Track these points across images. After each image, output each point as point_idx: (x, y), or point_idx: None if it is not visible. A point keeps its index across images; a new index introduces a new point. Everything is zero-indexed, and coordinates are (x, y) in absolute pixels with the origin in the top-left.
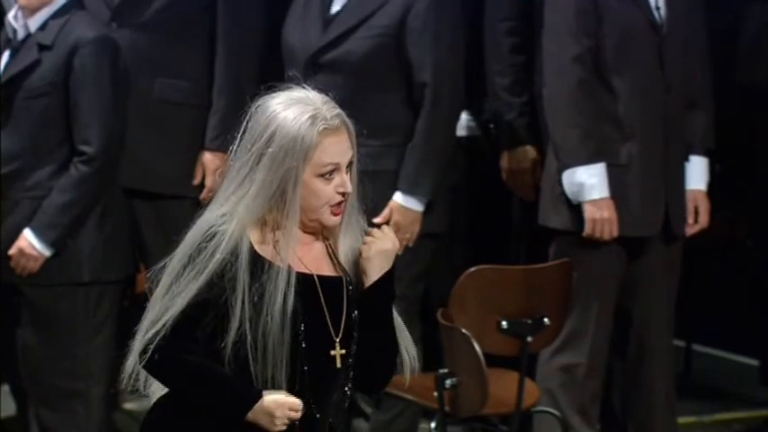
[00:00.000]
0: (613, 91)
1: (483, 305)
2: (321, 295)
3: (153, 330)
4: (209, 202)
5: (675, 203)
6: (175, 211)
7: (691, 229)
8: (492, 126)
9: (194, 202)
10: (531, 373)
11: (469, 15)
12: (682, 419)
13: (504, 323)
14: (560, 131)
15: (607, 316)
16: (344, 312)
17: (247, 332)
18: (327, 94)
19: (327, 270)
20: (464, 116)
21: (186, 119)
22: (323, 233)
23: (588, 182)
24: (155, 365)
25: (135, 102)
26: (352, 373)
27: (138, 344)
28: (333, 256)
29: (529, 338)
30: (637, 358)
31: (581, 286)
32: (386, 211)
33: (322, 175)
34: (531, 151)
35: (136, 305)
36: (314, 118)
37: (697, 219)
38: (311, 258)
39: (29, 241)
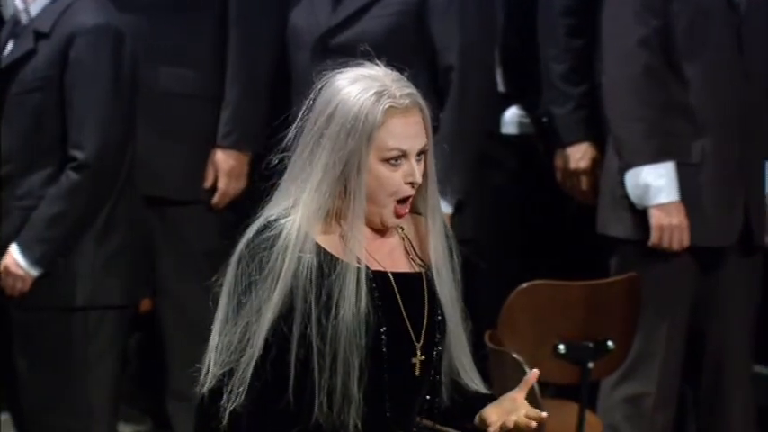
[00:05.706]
0: (684, 79)
1: (537, 326)
2: (398, 295)
3: (226, 369)
4: (269, 198)
5: (755, 209)
6: (183, 218)
7: None
8: (545, 120)
9: (205, 208)
10: (593, 405)
11: None
12: None
13: (561, 347)
14: (622, 126)
15: (678, 338)
16: (426, 314)
17: (313, 337)
18: (403, 72)
19: (404, 266)
20: (515, 111)
21: (194, 113)
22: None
23: (655, 183)
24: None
25: None
26: (432, 381)
27: (208, 379)
28: (409, 249)
29: (590, 364)
30: (712, 387)
31: (648, 304)
32: None
33: (387, 161)
34: (590, 149)
35: (137, 327)
36: (379, 94)
37: None
38: (384, 253)
39: (14, 258)
